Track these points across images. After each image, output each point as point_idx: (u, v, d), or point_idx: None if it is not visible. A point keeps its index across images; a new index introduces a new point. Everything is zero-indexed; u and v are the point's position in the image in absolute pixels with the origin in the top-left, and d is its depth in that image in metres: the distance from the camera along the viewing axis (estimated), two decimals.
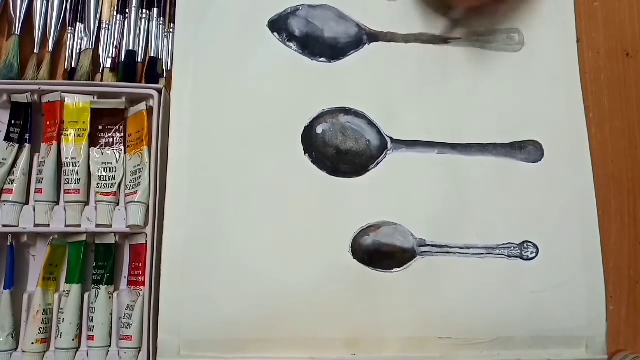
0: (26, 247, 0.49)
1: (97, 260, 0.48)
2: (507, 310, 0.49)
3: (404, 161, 0.51)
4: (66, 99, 0.49)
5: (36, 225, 0.47)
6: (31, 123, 0.49)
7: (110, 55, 0.52)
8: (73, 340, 0.46)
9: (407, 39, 0.53)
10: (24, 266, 0.49)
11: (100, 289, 0.47)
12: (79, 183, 0.48)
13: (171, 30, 0.53)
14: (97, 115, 0.50)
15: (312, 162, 0.51)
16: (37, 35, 0.52)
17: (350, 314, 0.48)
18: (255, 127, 0.51)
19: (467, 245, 0.50)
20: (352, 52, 0.53)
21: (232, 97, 0.51)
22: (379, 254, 0.49)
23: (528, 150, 0.52)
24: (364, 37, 0.53)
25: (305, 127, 0.51)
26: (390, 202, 0.50)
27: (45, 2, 0.52)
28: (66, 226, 0.48)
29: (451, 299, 0.49)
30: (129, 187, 0.49)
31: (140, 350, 0.46)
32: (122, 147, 0.50)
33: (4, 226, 0.47)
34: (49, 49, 0.52)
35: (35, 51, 0.52)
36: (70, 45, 0.52)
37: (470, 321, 0.49)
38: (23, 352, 0.46)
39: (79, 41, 0.52)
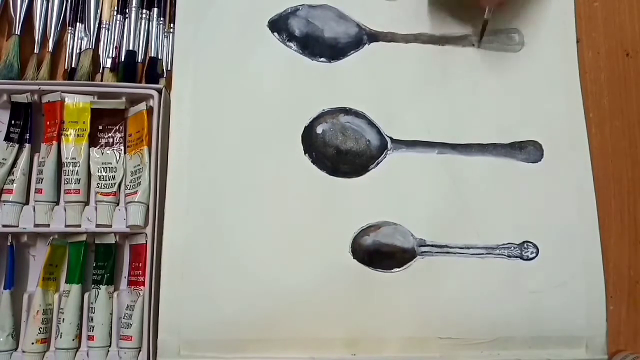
0: (26, 247, 0.49)
1: (97, 260, 0.48)
2: (507, 310, 0.49)
3: (404, 161, 0.51)
4: (66, 99, 0.49)
5: (36, 225, 0.47)
6: (31, 123, 0.49)
7: (110, 55, 0.52)
8: (73, 340, 0.46)
9: (407, 39, 0.54)
10: (24, 266, 0.49)
11: (100, 289, 0.47)
12: (79, 183, 0.48)
13: (171, 30, 0.53)
14: (97, 115, 0.50)
15: (312, 162, 0.51)
16: (37, 35, 0.52)
17: (350, 314, 0.48)
18: (255, 127, 0.51)
19: (467, 245, 0.50)
20: (352, 52, 0.53)
21: (232, 97, 0.51)
22: (379, 254, 0.49)
23: (528, 150, 0.52)
24: (364, 37, 0.53)
25: (305, 127, 0.51)
26: (390, 202, 0.50)
27: (45, 2, 0.52)
28: (66, 226, 0.48)
29: (451, 299, 0.49)
30: (129, 187, 0.49)
31: (140, 350, 0.46)
32: (122, 147, 0.50)
33: (4, 226, 0.47)
34: (49, 49, 0.52)
35: (35, 51, 0.52)
36: (70, 45, 0.52)
37: (470, 321, 0.49)
38: (23, 352, 0.46)
39: (79, 41, 0.52)
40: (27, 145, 0.49)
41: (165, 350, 0.47)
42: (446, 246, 0.50)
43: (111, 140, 0.50)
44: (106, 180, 0.49)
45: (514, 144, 0.52)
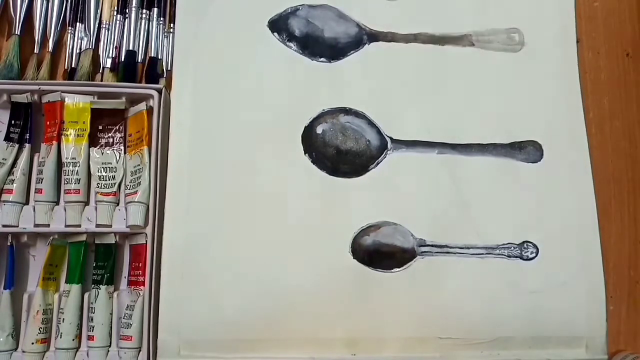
0: (26, 247, 0.49)
1: (97, 260, 0.48)
2: (507, 310, 0.49)
3: (404, 161, 0.51)
4: (66, 99, 0.49)
5: (36, 225, 0.47)
6: (31, 123, 0.49)
7: (110, 55, 0.52)
8: (73, 340, 0.46)
9: (407, 39, 0.54)
10: (24, 266, 0.49)
11: (100, 289, 0.47)
12: (79, 183, 0.48)
13: (171, 30, 0.53)
14: (97, 115, 0.50)
15: (312, 162, 0.51)
16: (37, 35, 0.52)
17: (350, 314, 0.48)
18: (255, 127, 0.51)
19: (467, 245, 0.50)
20: (352, 52, 0.53)
21: (232, 97, 0.51)
22: (379, 254, 0.49)
23: (528, 150, 0.52)
24: (364, 37, 0.53)
25: (305, 127, 0.51)
26: (390, 202, 0.50)
27: (45, 2, 0.52)
28: (66, 226, 0.48)
29: (451, 299, 0.49)
30: (129, 187, 0.49)
31: (140, 350, 0.46)
32: (122, 147, 0.50)
33: (4, 226, 0.47)
34: (49, 49, 0.52)
35: (35, 51, 0.52)
36: (70, 45, 0.52)
37: (470, 321, 0.49)
38: (23, 352, 0.46)
39: (79, 41, 0.52)
40: (27, 145, 0.49)
41: (165, 350, 0.47)
42: (446, 246, 0.50)
43: (111, 140, 0.50)
44: (106, 180, 0.49)
45: (513, 144, 0.52)
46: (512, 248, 0.50)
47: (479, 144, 0.52)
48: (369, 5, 0.54)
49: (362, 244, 0.49)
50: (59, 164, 0.49)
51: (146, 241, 0.47)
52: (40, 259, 0.48)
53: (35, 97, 0.49)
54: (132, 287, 0.48)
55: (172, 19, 0.53)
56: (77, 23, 0.53)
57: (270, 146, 0.51)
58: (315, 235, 0.49)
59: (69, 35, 0.53)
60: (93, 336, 0.46)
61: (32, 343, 0.46)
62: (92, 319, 0.47)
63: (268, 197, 0.50)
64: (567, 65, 0.54)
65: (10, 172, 0.48)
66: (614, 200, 0.52)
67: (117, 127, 0.50)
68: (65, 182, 0.48)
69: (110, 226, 0.48)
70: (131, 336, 0.46)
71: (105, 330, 0.47)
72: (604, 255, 0.50)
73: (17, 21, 0.52)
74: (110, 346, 0.47)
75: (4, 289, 0.47)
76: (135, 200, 0.48)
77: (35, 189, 0.48)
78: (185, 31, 0.52)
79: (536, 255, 0.50)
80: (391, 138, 0.52)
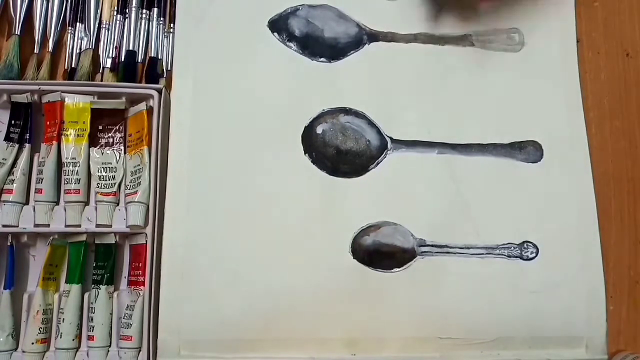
0: (26, 247, 0.49)
1: (97, 260, 0.48)
2: (507, 310, 0.49)
3: (404, 161, 0.51)
4: (66, 99, 0.49)
5: (36, 225, 0.47)
6: (31, 123, 0.49)
7: (110, 55, 0.52)
8: (73, 340, 0.46)
9: (407, 39, 0.54)
10: (24, 266, 0.49)
11: (100, 289, 0.47)
12: (79, 183, 0.48)
13: (171, 30, 0.53)
14: (97, 115, 0.50)
15: (312, 162, 0.51)
16: (37, 35, 0.52)
17: (350, 314, 0.48)
18: (255, 127, 0.51)
19: (467, 245, 0.50)
20: (352, 52, 0.53)
21: (232, 97, 0.51)
22: (379, 254, 0.49)
23: (528, 150, 0.52)
24: (364, 37, 0.53)
25: (305, 127, 0.51)
26: (390, 202, 0.50)
27: (45, 2, 0.52)
28: (66, 226, 0.48)
29: (451, 299, 0.49)
30: (129, 187, 0.49)
31: (140, 350, 0.46)
32: (122, 147, 0.50)
33: (4, 226, 0.47)
34: (49, 49, 0.52)
35: (35, 51, 0.52)
36: (70, 45, 0.52)
37: (470, 321, 0.49)
38: (23, 352, 0.46)
39: (79, 41, 0.52)
40: (27, 145, 0.49)
41: (165, 350, 0.47)
42: (446, 246, 0.50)
43: (111, 140, 0.50)
44: (106, 180, 0.49)
45: (513, 144, 0.52)
46: (512, 248, 0.50)
47: (479, 144, 0.52)
48: (369, 5, 0.54)
49: (362, 244, 0.49)
50: (59, 164, 0.48)
51: (146, 241, 0.47)
52: (40, 259, 0.48)
53: (35, 97, 0.49)
54: (132, 287, 0.48)
55: (172, 19, 0.53)
56: (77, 23, 0.53)
57: (270, 146, 0.51)
58: (315, 235, 0.49)
59: (69, 35, 0.53)
60: (93, 336, 0.46)
61: (32, 343, 0.46)
62: (92, 319, 0.47)
63: (268, 197, 0.50)
64: (567, 65, 0.54)
65: (10, 172, 0.48)
66: (614, 200, 0.52)
67: (117, 127, 0.50)
68: (65, 182, 0.48)
69: (110, 226, 0.48)
70: (131, 336, 0.46)
71: (105, 330, 0.47)
72: (604, 255, 0.50)
73: (17, 21, 0.52)
74: (110, 346, 0.47)
75: (4, 289, 0.47)
76: (135, 200, 0.48)
77: (35, 189, 0.48)
78: (185, 31, 0.52)
79: (536, 255, 0.50)
80: (391, 138, 0.52)
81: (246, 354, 0.47)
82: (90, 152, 0.49)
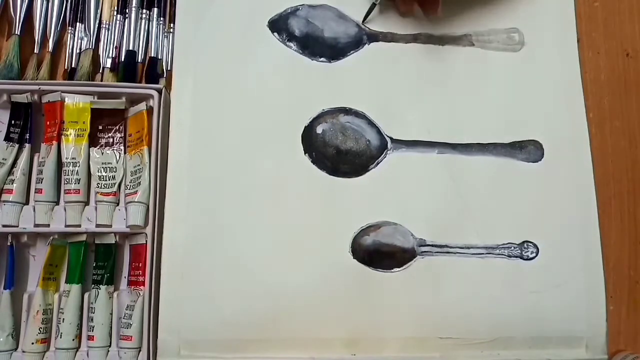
0: (26, 247, 0.49)
1: (97, 260, 0.48)
2: (507, 310, 0.49)
3: (404, 161, 0.51)
4: (66, 99, 0.49)
5: (36, 225, 0.47)
6: (31, 123, 0.49)
7: (110, 55, 0.52)
8: (73, 340, 0.46)
9: (407, 39, 0.54)
10: (24, 266, 0.49)
11: (100, 289, 0.47)
12: (79, 183, 0.48)
13: (171, 30, 0.53)
14: (97, 115, 0.50)
15: (312, 162, 0.51)
16: (37, 35, 0.52)
17: (350, 314, 0.48)
18: (255, 127, 0.51)
19: (467, 245, 0.50)
20: (352, 52, 0.53)
21: (232, 97, 0.51)
22: (379, 254, 0.49)
23: (528, 150, 0.52)
24: (364, 37, 0.53)
25: (305, 127, 0.51)
26: (390, 202, 0.50)
27: (45, 2, 0.52)
28: (66, 226, 0.48)
29: (451, 298, 0.49)
30: (129, 187, 0.49)
31: (140, 350, 0.46)
32: (122, 147, 0.50)
33: (4, 226, 0.47)
34: (49, 49, 0.52)
35: (35, 51, 0.52)
36: (70, 45, 0.52)
37: (470, 321, 0.49)
38: (23, 352, 0.46)
39: (79, 41, 0.52)
40: (27, 145, 0.49)
41: (165, 350, 0.47)
42: (446, 246, 0.50)
43: (111, 140, 0.50)
44: (106, 180, 0.49)
45: (514, 143, 0.52)
46: (512, 248, 0.50)
47: (479, 143, 0.52)
48: (368, 5, 0.54)
49: (362, 244, 0.49)
50: (59, 164, 0.49)
51: (146, 241, 0.47)
52: (40, 259, 0.48)
53: (35, 97, 0.49)
54: (132, 287, 0.48)
55: (172, 19, 0.53)
56: (77, 23, 0.53)
57: (270, 146, 0.51)
58: (315, 235, 0.49)
59: (69, 35, 0.53)
60: (93, 336, 0.46)
61: (32, 343, 0.46)
62: (92, 319, 0.47)
63: (268, 197, 0.50)
64: (567, 65, 0.54)
65: (10, 172, 0.48)
66: (614, 200, 0.52)
67: (117, 127, 0.50)
68: (65, 182, 0.48)
69: (110, 226, 0.48)
70: (131, 336, 0.46)
71: (105, 330, 0.47)
72: (604, 255, 0.50)
73: (17, 21, 0.52)
74: (110, 346, 0.47)
75: (4, 289, 0.47)
76: (135, 200, 0.48)
77: (35, 189, 0.48)
78: (185, 31, 0.52)
79: (536, 255, 0.50)
80: (391, 138, 0.52)
81: (246, 354, 0.47)
82: (90, 152, 0.49)
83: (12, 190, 0.47)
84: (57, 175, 0.48)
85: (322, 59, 0.53)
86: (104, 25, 0.53)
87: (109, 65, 0.52)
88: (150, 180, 0.48)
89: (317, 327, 0.48)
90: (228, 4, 0.53)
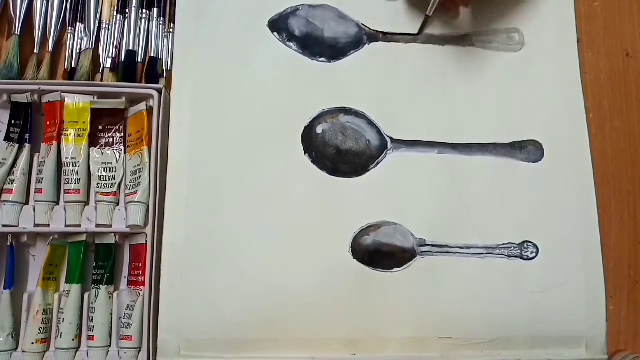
0: (26, 247, 0.49)
1: (97, 260, 0.48)
2: (507, 310, 0.49)
3: (404, 161, 0.51)
4: (66, 99, 0.49)
5: (36, 225, 0.47)
6: (31, 123, 0.49)
7: (110, 55, 0.52)
8: (73, 340, 0.46)
9: (407, 39, 0.53)
10: (24, 266, 0.49)
11: (100, 289, 0.47)
12: (79, 183, 0.48)
13: (171, 30, 0.53)
14: (97, 115, 0.50)
15: (312, 162, 0.51)
16: (37, 35, 0.52)
17: (350, 314, 0.48)
18: (255, 127, 0.51)
19: (467, 245, 0.50)
20: (352, 52, 0.53)
21: (232, 97, 0.51)
22: (379, 254, 0.49)
23: (528, 150, 0.52)
24: (364, 37, 0.53)
25: (305, 127, 0.51)
26: (390, 202, 0.50)
27: (45, 2, 0.52)
28: (66, 226, 0.48)
29: (451, 298, 0.49)
30: (129, 187, 0.49)
31: (140, 350, 0.46)
32: (122, 147, 0.50)
33: (4, 226, 0.47)
34: (49, 49, 0.52)
35: (35, 51, 0.52)
36: (70, 45, 0.52)
37: (471, 321, 0.49)
38: (23, 352, 0.46)
39: (79, 41, 0.52)
40: (27, 145, 0.49)
41: (165, 350, 0.47)
42: (446, 246, 0.50)
43: (111, 140, 0.50)
44: (106, 180, 0.49)
45: (514, 143, 0.52)
46: (512, 248, 0.50)
47: (479, 143, 0.52)
48: (369, 5, 0.54)
49: (362, 244, 0.49)
50: (59, 164, 0.49)
51: (146, 241, 0.47)
52: (40, 259, 0.48)
53: (35, 97, 0.49)
54: (132, 287, 0.48)
55: (172, 19, 0.53)
56: (77, 23, 0.53)
57: (270, 146, 0.51)
58: (315, 235, 0.49)
59: (69, 35, 0.53)
60: (93, 336, 0.46)
61: (32, 343, 0.46)
62: (92, 319, 0.47)
63: (268, 197, 0.50)
64: (567, 65, 0.54)
65: (10, 172, 0.48)
66: (614, 200, 0.52)
67: (117, 127, 0.50)
68: (65, 182, 0.48)
69: (110, 226, 0.48)
70: (131, 336, 0.46)
71: (105, 330, 0.47)
72: (604, 255, 0.50)
73: (17, 21, 0.52)
74: (110, 346, 0.47)
75: (4, 289, 0.47)
76: (135, 200, 0.48)
77: (35, 189, 0.48)
78: (185, 31, 0.52)
79: (536, 255, 0.50)
80: (391, 138, 0.52)
81: (246, 354, 0.47)
82: (90, 152, 0.49)
83: (12, 190, 0.47)
84: (57, 175, 0.48)
85: (322, 59, 0.53)
86: (104, 25, 0.53)
87: (109, 65, 0.52)
88: (150, 180, 0.48)
89: (317, 327, 0.48)
90: (228, 4, 0.53)
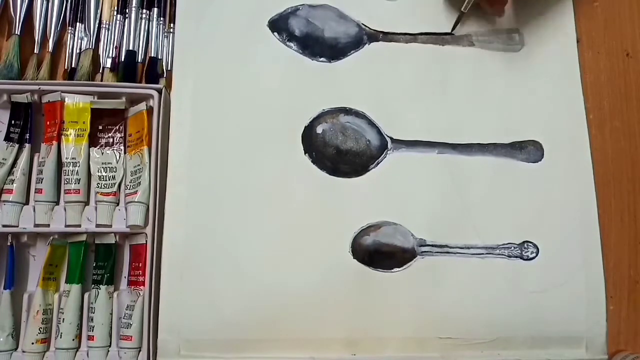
0: (26, 247, 0.49)
1: (97, 260, 0.48)
2: (507, 310, 0.49)
3: (404, 161, 0.51)
4: (66, 99, 0.49)
5: (36, 225, 0.47)
6: (31, 123, 0.49)
7: (110, 55, 0.52)
8: (73, 340, 0.46)
9: (407, 39, 0.54)
10: (24, 266, 0.49)
11: (100, 289, 0.47)
12: (79, 183, 0.48)
13: (171, 30, 0.53)
14: (97, 115, 0.50)
15: (312, 162, 0.51)
16: (37, 35, 0.52)
17: (350, 314, 0.48)
18: (255, 127, 0.51)
19: (467, 245, 0.50)
20: (352, 52, 0.53)
21: (232, 97, 0.51)
22: (379, 254, 0.49)
23: (528, 150, 0.52)
24: (364, 37, 0.53)
25: (305, 127, 0.51)
26: (390, 202, 0.50)
27: (45, 2, 0.52)
28: (66, 226, 0.48)
29: (451, 298, 0.49)
30: (129, 187, 0.49)
31: (140, 350, 0.46)
32: (122, 147, 0.50)
33: (4, 226, 0.47)
34: (49, 49, 0.52)
35: (35, 51, 0.52)
36: (70, 45, 0.52)
37: (470, 321, 0.49)
38: (23, 352, 0.46)
39: (79, 41, 0.52)
40: (27, 145, 0.49)
41: (165, 350, 0.47)
42: (446, 246, 0.50)
43: (111, 140, 0.50)
44: (106, 180, 0.49)
45: (514, 143, 0.52)
46: (512, 248, 0.50)
47: (479, 143, 0.52)
48: (369, 5, 0.54)
49: (362, 244, 0.49)
50: (59, 164, 0.49)
51: (146, 241, 0.47)
52: (40, 259, 0.48)
53: (35, 97, 0.49)
54: (132, 287, 0.48)
55: (172, 19, 0.53)
56: (77, 23, 0.53)
57: (270, 146, 0.51)
58: (315, 235, 0.49)
59: (69, 35, 0.53)
60: (93, 336, 0.46)
61: (32, 343, 0.46)
62: (92, 319, 0.47)
63: (268, 197, 0.50)
64: (567, 65, 0.54)
65: (10, 172, 0.48)
66: (614, 200, 0.52)
67: (117, 127, 0.50)
68: (65, 182, 0.48)
69: (110, 226, 0.48)
70: (131, 336, 0.46)
71: (105, 330, 0.47)
72: (604, 255, 0.50)
73: (17, 21, 0.52)
74: (110, 346, 0.47)
75: (4, 289, 0.47)
76: (135, 200, 0.48)
77: (35, 189, 0.48)
78: (185, 31, 0.52)
79: (536, 255, 0.50)
80: (391, 138, 0.52)
81: (246, 354, 0.47)
82: (90, 152, 0.49)
83: (12, 190, 0.47)
84: (57, 175, 0.48)
85: (322, 59, 0.53)
86: (104, 25, 0.53)
87: (109, 65, 0.52)
88: (150, 180, 0.48)
89: (317, 327, 0.48)
90: (228, 4, 0.53)
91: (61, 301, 0.47)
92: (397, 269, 0.49)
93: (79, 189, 0.48)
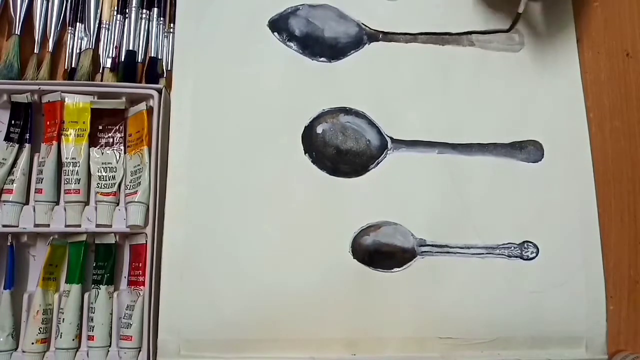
0: (26, 247, 0.49)
1: (97, 260, 0.48)
2: (507, 310, 0.49)
3: (404, 161, 0.51)
4: (66, 99, 0.49)
5: (36, 225, 0.47)
6: (31, 123, 0.49)
7: (110, 55, 0.52)
8: (73, 340, 0.46)
9: (407, 39, 0.54)
10: (24, 266, 0.49)
11: (100, 289, 0.47)
12: (79, 183, 0.48)
13: (171, 30, 0.53)
14: (97, 115, 0.50)
15: (312, 162, 0.51)
16: (37, 35, 0.52)
17: (350, 314, 0.48)
18: (255, 126, 0.51)
19: (467, 245, 0.50)
20: (352, 52, 0.53)
21: (232, 97, 0.51)
22: (379, 253, 0.49)
23: (528, 150, 0.52)
24: (364, 37, 0.53)
25: (305, 127, 0.51)
26: (390, 202, 0.50)
27: (45, 2, 0.52)
28: (66, 226, 0.48)
29: (451, 298, 0.49)
30: (129, 187, 0.49)
31: (140, 350, 0.46)
32: (122, 147, 0.50)
33: (4, 226, 0.47)
34: (49, 49, 0.52)
35: (35, 51, 0.52)
36: (70, 45, 0.52)
37: (470, 321, 0.49)
38: (23, 352, 0.46)
39: (79, 41, 0.52)
40: (27, 145, 0.49)
41: (165, 350, 0.47)
42: (446, 246, 0.50)
43: (111, 140, 0.50)
44: (106, 180, 0.49)
45: (514, 143, 0.52)
46: (512, 248, 0.50)
47: (480, 143, 0.52)
48: (369, 5, 0.54)
49: (362, 244, 0.49)
50: (59, 164, 0.48)
51: (146, 241, 0.47)
52: (40, 259, 0.48)
53: (35, 97, 0.49)
54: (132, 287, 0.48)
55: (172, 19, 0.53)
56: (77, 23, 0.53)
57: (270, 146, 0.51)
58: (315, 235, 0.49)
59: (69, 35, 0.53)
60: (93, 336, 0.46)
61: (32, 343, 0.46)
62: (92, 319, 0.47)
63: (268, 197, 0.50)
64: (567, 65, 0.54)
65: (10, 172, 0.48)
66: (614, 200, 0.52)
67: (117, 127, 0.50)
68: (65, 182, 0.48)
69: (110, 226, 0.48)
70: (131, 336, 0.46)
71: (105, 330, 0.47)
72: (604, 255, 0.50)
73: (17, 21, 0.52)
74: (110, 346, 0.47)
75: (4, 289, 0.47)
76: (135, 200, 0.48)
77: (35, 189, 0.48)
78: (185, 31, 0.52)
79: (536, 255, 0.50)
80: (391, 138, 0.52)
81: (246, 354, 0.47)
82: (90, 152, 0.49)
83: (12, 190, 0.47)
84: (57, 175, 0.48)
85: (322, 59, 0.53)
86: (104, 25, 0.53)
87: (109, 65, 0.52)
88: (150, 180, 0.48)
89: (317, 327, 0.48)
90: (228, 4, 0.53)
91: (61, 301, 0.47)
92: (397, 269, 0.49)
93: (79, 189, 0.48)
